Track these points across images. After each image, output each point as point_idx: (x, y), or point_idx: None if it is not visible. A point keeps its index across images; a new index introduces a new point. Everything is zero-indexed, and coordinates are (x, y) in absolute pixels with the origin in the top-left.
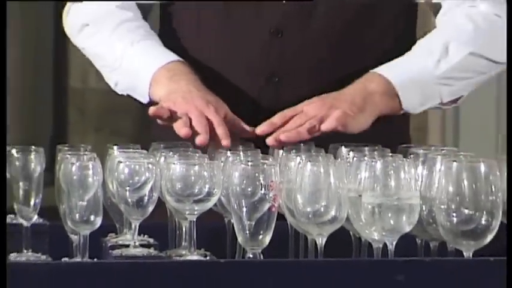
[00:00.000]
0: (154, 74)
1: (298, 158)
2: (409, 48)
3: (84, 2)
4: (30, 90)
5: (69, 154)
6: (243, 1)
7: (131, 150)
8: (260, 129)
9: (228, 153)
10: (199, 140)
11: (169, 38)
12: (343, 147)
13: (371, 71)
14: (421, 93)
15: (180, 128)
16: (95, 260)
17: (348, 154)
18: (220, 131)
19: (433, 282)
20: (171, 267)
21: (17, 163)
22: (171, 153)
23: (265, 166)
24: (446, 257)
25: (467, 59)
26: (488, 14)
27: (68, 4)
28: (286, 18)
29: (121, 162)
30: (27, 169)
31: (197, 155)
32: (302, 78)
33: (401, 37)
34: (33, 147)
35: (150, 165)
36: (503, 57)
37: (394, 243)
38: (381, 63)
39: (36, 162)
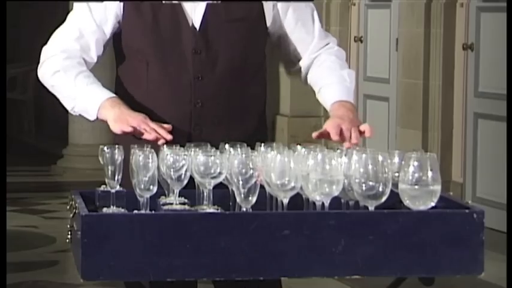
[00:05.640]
0: (101, 103)
1: (272, 152)
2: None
3: (55, 57)
4: None
5: (138, 149)
6: (175, 60)
7: (174, 147)
8: (314, 135)
9: (231, 149)
10: (161, 142)
11: (131, 83)
12: (298, 146)
13: (340, 99)
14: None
15: (147, 137)
16: (153, 212)
17: (301, 149)
18: (162, 131)
19: (351, 225)
20: (197, 216)
21: (107, 155)
22: (197, 149)
23: (252, 157)
24: (359, 210)
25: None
26: (336, 48)
27: (42, 59)
28: (202, 68)
29: (168, 154)
30: (113, 158)
31: (212, 150)
32: (216, 103)
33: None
34: (117, 145)
35: (185, 156)
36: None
37: (328, 202)
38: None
39: (118, 154)
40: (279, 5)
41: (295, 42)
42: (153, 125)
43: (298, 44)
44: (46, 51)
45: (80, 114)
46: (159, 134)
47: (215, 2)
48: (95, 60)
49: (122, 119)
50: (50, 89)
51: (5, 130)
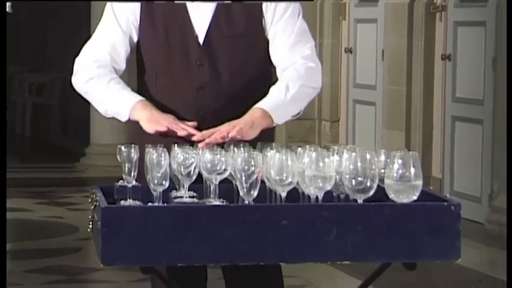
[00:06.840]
0: (132, 106)
1: (272, 151)
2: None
3: (88, 67)
4: None
5: (151, 148)
6: (181, 71)
7: (184, 146)
8: (196, 137)
9: (235, 148)
10: (195, 138)
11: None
12: (295, 145)
13: (254, 106)
14: (281, 113)
15: (181, 134)
16: (165, 204)
17: (297, 148)
18: (191, 129)
19: (342, 216)
20: (205, 208)
21: (124, 153)
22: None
23: (254, 155)
24: (349, 202)
25: (300, 89)
26: (309, 67)
27: (75, 68)
28: (204, 79)
29: (178, 152)
30: (130, 156)
31: (218, 149)
32: (216, 112)
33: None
34: (132, 145)
35: (194, 154)
36: (318, 85)
37: (322, 195)
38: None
39: (134, 153)
40: (268, 17)
41: (271, 53)
42: (182, 124)
43: (273, 55)
44: (79, 62)
45: (112, 117)
46: (190, 132)
47: (225, 1)
48: (124, 67)
49: (154, 120)
50: (84, 95)
51: (5, 130)
